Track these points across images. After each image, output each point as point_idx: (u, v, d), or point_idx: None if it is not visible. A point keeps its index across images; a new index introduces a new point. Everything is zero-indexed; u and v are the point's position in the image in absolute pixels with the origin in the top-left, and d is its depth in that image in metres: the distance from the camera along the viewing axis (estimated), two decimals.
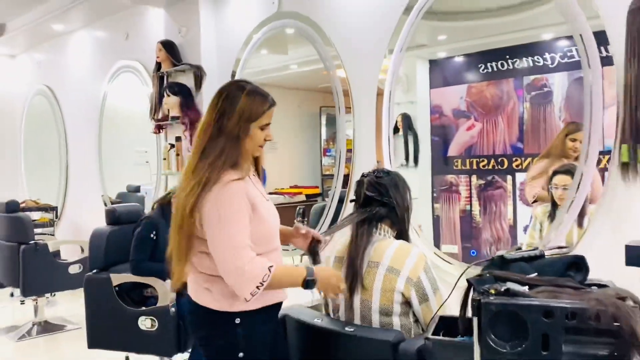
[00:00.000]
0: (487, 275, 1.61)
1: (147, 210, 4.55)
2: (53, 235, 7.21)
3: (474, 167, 3.54)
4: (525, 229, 3.43)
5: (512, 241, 3.48)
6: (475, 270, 1.76)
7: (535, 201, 3.29)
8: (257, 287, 1.95)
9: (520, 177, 3.40)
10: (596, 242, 2.88)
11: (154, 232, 3.80)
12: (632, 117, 2.61)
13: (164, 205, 3.93)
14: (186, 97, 5.09)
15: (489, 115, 3.47)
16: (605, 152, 2.87)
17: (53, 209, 7.36)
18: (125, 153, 6.54)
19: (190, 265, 2.13)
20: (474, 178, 3.57)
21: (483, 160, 3.50)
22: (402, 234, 2.34)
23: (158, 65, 5.41)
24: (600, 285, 1.63)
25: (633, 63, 2.60)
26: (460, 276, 1.72)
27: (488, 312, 1.46)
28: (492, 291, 1.50)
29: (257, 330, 2.09)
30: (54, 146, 7.78)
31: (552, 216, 3.10)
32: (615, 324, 1.40)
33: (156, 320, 3.63)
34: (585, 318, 1.41)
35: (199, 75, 5.09)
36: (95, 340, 3.88)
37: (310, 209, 4.74)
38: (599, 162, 2.88)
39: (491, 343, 1.47)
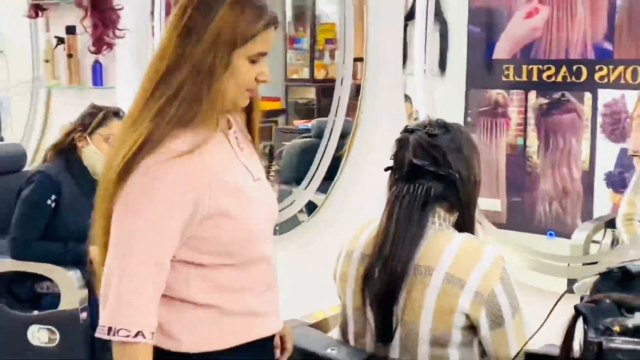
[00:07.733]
0: (608, 302, 1.39)
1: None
2: None
3: (534, 77, 3.14)
4: (608, 179, 2.89)
5: (585, 197, 2.96)
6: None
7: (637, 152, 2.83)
8: (112, 331, 1.62)
9: (605, 95, 2.91)
10: None
11: (53, 196, 3.15)
12: None
13: (67, 151, 3.19)
14: None
15: None
16: None
17: None
18: None
19: None
20: (532, 95, 3.17)
21: (549, 68, 3.09)
22: (464, 222, 2.07)
23: None
24: None
25: None
26: (561, 296, 1.53)
27: None
28: (616, 328, 1.29)
29: None
30: None
31: None
32: None
33: (57, 332, 3.17)
34: None
35: None
36: None
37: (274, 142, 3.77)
38: None
39: None
